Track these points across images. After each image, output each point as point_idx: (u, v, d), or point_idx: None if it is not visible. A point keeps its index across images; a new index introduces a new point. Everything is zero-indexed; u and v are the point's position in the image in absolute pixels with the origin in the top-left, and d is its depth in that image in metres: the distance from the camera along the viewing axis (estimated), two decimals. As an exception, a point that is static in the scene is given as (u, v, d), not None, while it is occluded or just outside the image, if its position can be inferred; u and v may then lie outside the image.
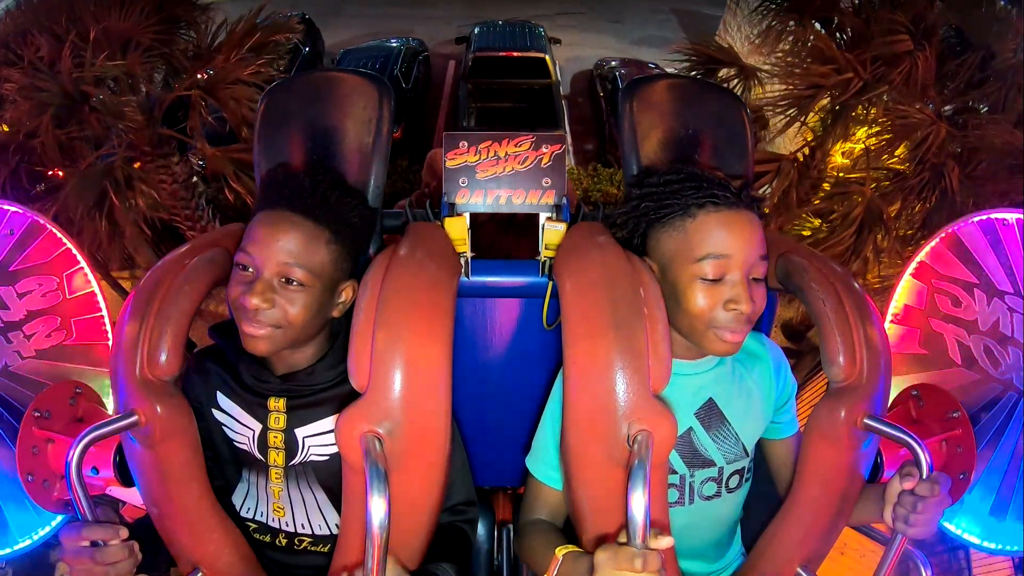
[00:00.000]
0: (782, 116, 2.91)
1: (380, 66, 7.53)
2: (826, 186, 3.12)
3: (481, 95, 6.88)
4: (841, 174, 3.07)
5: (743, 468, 1.05)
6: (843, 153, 3.18)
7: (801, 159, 3.10)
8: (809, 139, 3.10)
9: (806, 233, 3.20)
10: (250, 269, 0.92)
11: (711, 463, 1.02)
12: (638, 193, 0.98)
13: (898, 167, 2.93)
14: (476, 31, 7.87)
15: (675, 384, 0.94)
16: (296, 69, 7.94)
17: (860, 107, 2.87)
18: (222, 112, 3.11)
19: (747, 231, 0.90)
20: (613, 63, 7.87)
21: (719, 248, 0.89)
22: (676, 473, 1.01)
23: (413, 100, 7.41)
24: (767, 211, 3.34)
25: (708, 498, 1.03)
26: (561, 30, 8.98)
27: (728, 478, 1.03)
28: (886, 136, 2.81)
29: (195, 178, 3.56)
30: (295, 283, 0.91)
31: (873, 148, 2.88)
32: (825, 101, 2.86)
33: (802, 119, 2.90)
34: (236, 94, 3.01)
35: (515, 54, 7.34)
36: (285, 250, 0.90)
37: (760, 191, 3.08)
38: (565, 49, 8.62)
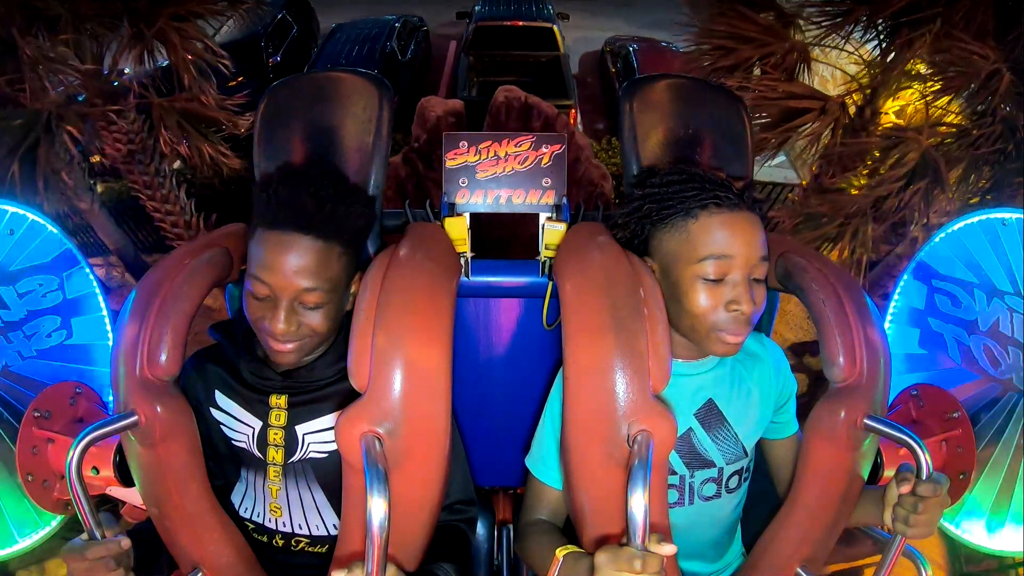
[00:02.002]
0: (825, 35, 2.59)
1: (374, 38, 7.37)
2: (876, 153, 2.84)
3: (484, 68, 6.45)
4: (905, 132, 2.73)
5: (742, 468, 1.05)
6: (895, 113, 2.93)
7: (851, 105, 2.77)
8: (854, 89, 2.83)
9: (853, 192, 2.91)
10: (267, 295, 0.91)
11: (711, 464, 1.02)
12: (640, 194, 0.98)
13: (957, 122, 2.65)
14: (478, 7, 7.50)
15: (675, 384, 0.94)
16: (284, 50, 7.75)
17: (915, 58, 2.57)
18: (168, 54, 2.74)
19: (749, 232, 0.90)
20: (624, 40, 7.65)
21: (721, 249, 0.89)
22: (676, 474, 1.01)
23: (411, 75, 7.27)
24: (814, 170, 3.06)
25: (708, 499, 1.03)
26: (569, 11, 8.72)
27: (728, 479, 1.03)
28: (950, 82, 2.52)
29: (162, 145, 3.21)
30: (315, 304, 0.92)
31: (930, 94, 2.62)
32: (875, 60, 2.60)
33: (853, 28, 2.58)
34: (181, 28, 2.69)
35: (520, 23, 6.91)
36: (301, 274, 0.89)
37: (799, 131, 2.83)
38: (573, 30, 8.38)
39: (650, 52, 7.31)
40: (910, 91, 2.88)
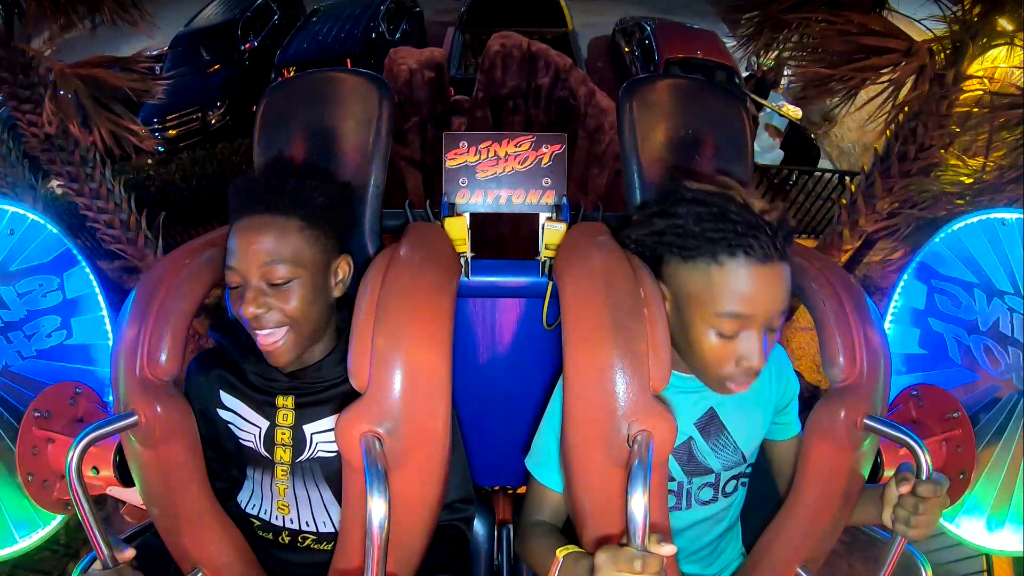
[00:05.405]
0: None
1: (356, 17, 7.23)
2: (956, 124, 2.37)
3: (481, 48, 5.79)
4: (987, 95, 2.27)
5: (740, 473, 1.05)
6: (985, 77, 2.42)
7: (939, 54, 2.23)
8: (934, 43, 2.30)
9: (968, 180, 2.41)
10: (240, 283, 0.92)
11: (709, 471, 1.02)
12: (662, 224, 0.89)
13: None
14: None
15: (675, 395, 0.94)
16: (263, 35, 7.63)
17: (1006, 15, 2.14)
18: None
19: (776, 288, 0.83)
20: (637, 19, 7.30)
21: (742, 307, 0.83)
22: (674, 480, 1.01)
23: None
24: (879, 149, 2.55)
25: (705, 503, 1.03)
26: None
27: (725, 484, 1.03)
28: None
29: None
30: (282, 280, 0.91)
31: None
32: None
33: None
34: None
35: None
36: (261, 252, 0.90)
37: (880, 78, 2.32)
38: (579, 15, 7.86)
39: (668, 30, 7.00)
40: (997, 53, 2.39)
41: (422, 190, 3.43)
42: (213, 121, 6.82)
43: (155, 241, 3.30)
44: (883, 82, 2.34)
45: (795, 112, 6.13)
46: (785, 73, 6.41)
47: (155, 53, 7.77)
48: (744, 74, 6.76)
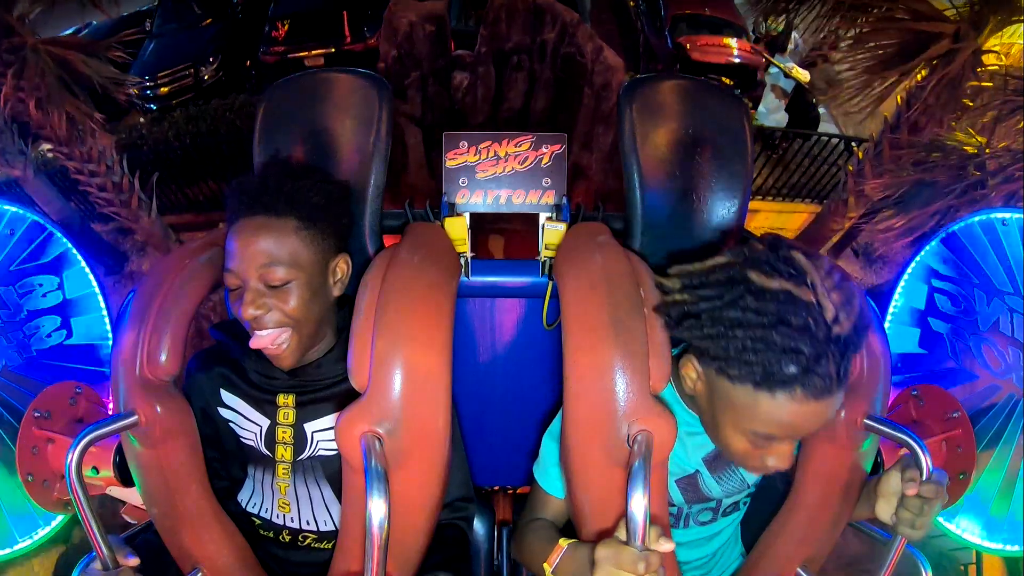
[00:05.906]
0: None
1: None
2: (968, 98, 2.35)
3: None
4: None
5: (741, 498, 1.04)
6: (1002, 54, 2.38)
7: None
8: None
9: (972, 150, 2.33)
10: (238, 285, 0.92)
11: (711, 499, 1.02)
12: (711, 336, 0.77)
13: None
14: None
15: (686, 435, 0.93)
16: None
17: None
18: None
19: (825, 416, 0.76)
20: None
21: (784, 433, 0.77)
22: (674, 505, 1.00)
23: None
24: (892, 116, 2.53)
25: (703, 524, 1.04)
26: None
27: (725, 508, 1.03)
28: None
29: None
30: (280, 282, 0.91)
31: None
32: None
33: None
34: None
35: None
36: (259, 254, 0.90)
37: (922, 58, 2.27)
38: None
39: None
40: (1015, 28, 2.37)
41: (422, 148, 3.31)
42: (206, 77, 6.64)
43: (149, 203, 3.27)
44: (932, 68, 2.32)
45: (804, 75, 6.10)
46: (796, 42, 6.41)
47: (145, 9, 7.62)
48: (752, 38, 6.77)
